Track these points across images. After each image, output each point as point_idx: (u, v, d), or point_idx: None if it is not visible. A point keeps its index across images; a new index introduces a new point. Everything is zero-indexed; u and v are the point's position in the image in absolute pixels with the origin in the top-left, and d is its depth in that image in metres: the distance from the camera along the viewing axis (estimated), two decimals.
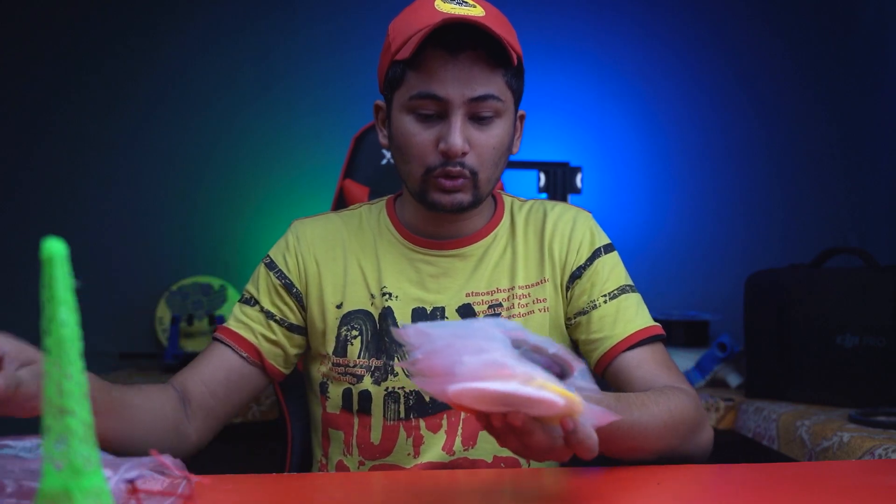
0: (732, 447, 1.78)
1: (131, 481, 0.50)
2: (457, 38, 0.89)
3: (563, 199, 2.04)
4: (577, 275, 1.01)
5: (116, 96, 2.21)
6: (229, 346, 0.99)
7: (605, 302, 0.99)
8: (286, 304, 1.02)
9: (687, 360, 1.92)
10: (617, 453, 0.79)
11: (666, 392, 0.87)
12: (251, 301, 1.02)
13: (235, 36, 2.24)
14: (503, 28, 0.92)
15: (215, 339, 1.00)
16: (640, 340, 0.97)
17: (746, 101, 2.29)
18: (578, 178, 2.06)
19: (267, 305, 1.01)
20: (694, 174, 2.28)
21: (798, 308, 1.55)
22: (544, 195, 2.05)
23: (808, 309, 1.54)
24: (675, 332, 1.96)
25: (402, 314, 0.99)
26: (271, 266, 1.03)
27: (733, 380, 1.80)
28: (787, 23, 2.29)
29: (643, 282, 2.21)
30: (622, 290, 1.01)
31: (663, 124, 2.29)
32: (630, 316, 0.99)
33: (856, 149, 2.24)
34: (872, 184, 2.20)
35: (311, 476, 0.97)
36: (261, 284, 1.02)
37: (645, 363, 0.95)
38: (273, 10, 2.24)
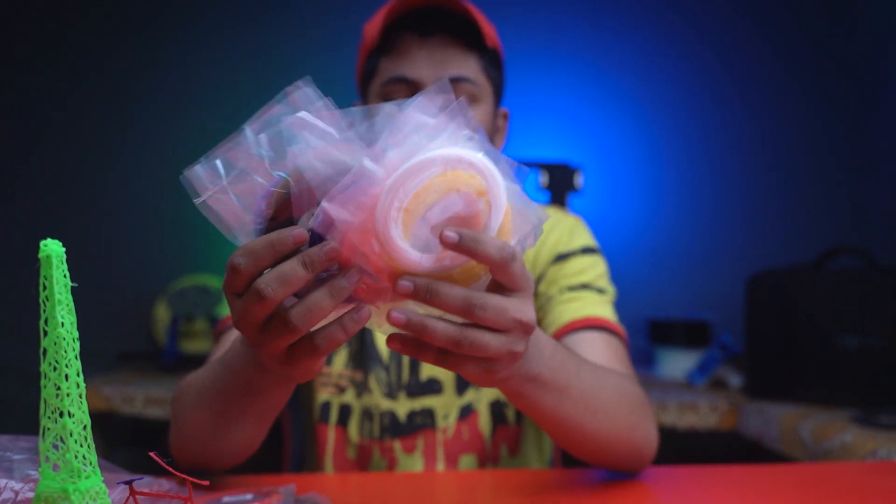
0: (734, 448, 1.78)
1: (129, 483, 0.50)
2: (430, 21, 0.88)
3: (563, 199, 2.04)
4: (543, 275, 0.94)
5: (116, 96, 2.21)
6: None
7: (562, 292, 0.91)
8: None
9: (688, 360, 1.92)
10: (536, 406, 0.62)
11: (620, 374, 0.75)
12: None
13: (236, 35, 2.24)
14: (478, 15, 0.91)
15: (224, 329, 0.90)
16: (595, 326, 0.86)
17: (746, 101, 2.28)
18: (578, 178, 2.06)
19: None
20: (694, 174, 2.28)
21: (799, 308, 1.55)
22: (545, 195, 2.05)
23: (809, 309, 1.54)
24: (675, 332, 1.95)
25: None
26: None
27: (735, 380, 1.79)
28: (787, 24, 2.28)
29: (644, 282, 2.24)
30: (585, 286, 0.91)
31: (663, 124, 2.29)
32: (588, 304, 0.88)
33: (856, 149, 2.24)
34: (872, 184, 2.20)
35: (307, 477, 0.97)
36: None
37: (596, 348, 0.82)
38: (273, 9, 2.24)
